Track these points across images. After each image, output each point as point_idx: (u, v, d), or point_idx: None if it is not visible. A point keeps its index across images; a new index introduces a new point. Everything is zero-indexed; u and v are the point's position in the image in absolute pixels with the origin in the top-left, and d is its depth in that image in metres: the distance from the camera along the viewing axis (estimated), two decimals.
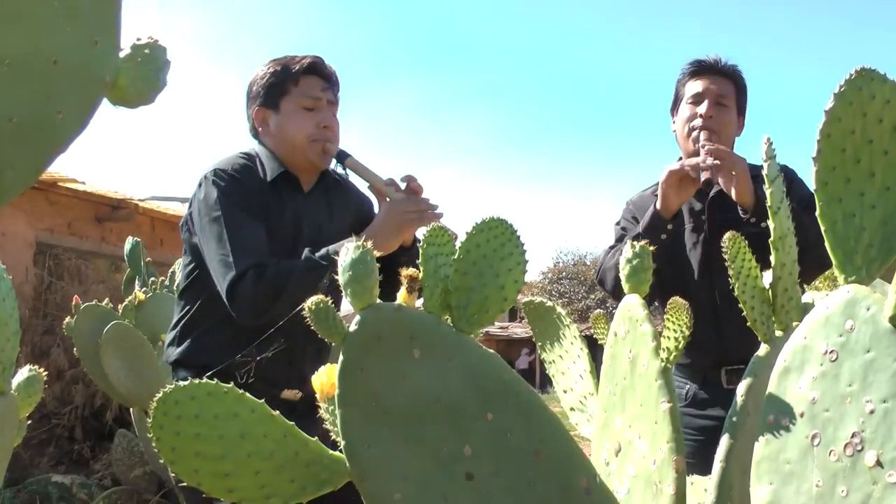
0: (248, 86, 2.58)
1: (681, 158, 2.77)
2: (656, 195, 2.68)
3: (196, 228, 2.39)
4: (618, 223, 2.94)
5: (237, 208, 2.34)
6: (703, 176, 2.51)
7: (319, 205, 2.56)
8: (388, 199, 2.46)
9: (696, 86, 2.79)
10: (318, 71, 2.52)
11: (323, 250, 2.25)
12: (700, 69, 2.81)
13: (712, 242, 2.59)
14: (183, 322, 2.48)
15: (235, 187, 2.38)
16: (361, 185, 2.62)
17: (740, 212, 2.51)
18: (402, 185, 2.48)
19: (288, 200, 2.46)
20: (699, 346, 2.55)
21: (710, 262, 2.64)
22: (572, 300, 36.06)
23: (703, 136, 2.65)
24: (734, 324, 2.37)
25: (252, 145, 2.59)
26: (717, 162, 2.49)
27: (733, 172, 2.49)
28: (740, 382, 1.42)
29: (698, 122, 2.71)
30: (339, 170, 2.56)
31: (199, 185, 2.41)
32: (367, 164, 2.52)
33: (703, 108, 2.72)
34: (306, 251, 2.26)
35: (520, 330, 31.87)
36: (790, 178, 2.60)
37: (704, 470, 1.55)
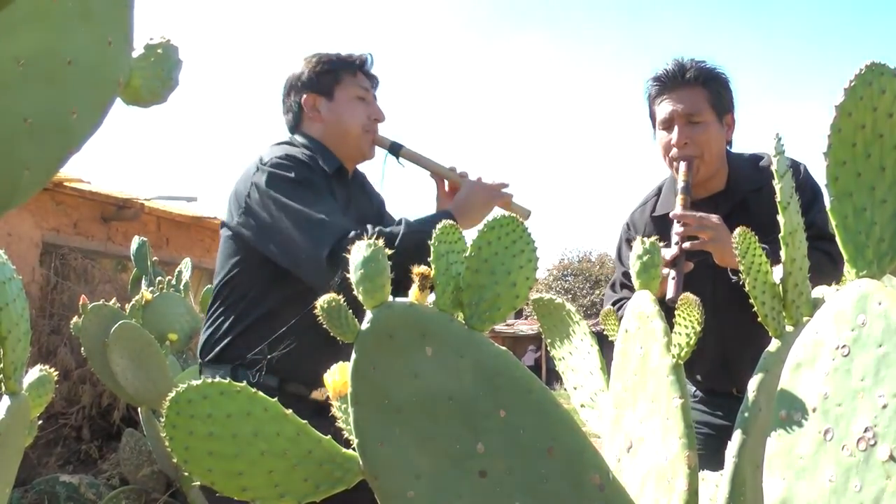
0: (292, 76, 2.58)
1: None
2: (654, 216, 2.64)
3: (264, 211, 2.30)
4: (619, 248, 2.81)
5: (316, 186, 2.33)
6: (669, 292, 2.21)
7: (358, 194, 2.59)
8: (447, 182, 2.60)
9: (663, 109, 2.55)
10: (369, 68, 2.57)
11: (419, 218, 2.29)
12: (662, 87, 2.58)
13: (719, 276, 2.39)
14: (224, 317, 2.41)
15: (307, 170, 2.36)
16: (420, 174, 2.68)
17: (730, 273, 2.30)
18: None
19: (340, 190, 2.47)
20: (707, 377, 2.51)
21: (716, 297, 2.38)
22: (577, 296, 36.09)
23: (682, 170, 2.45)
24: (742, 360, 2.11)
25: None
26: (673, 266, 2.26)
27: (711, 244, 2.28)
28: (752, 378, 1.41)
29: (675, 152, 2.52)
30: (393, 161, 2.62)
31: (258, 170, 2.35)
32: (421, 153, 2.59)
33: (675, 137, 2.51)
34: (403, 219, 2.28)
35: (525, 327, 31.94)
36: (812, 197, 2.38)
37: (714, 464, 1.55)
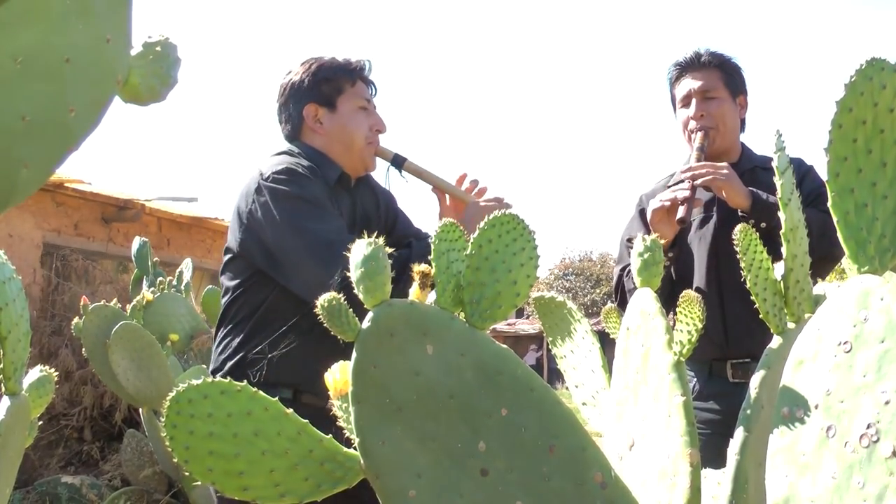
0: (289, 83, 2.49)
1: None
2: (669, 186, 2.70)
3: (269, 232, 2.24)
4: (630, 220, 2.91)
5: (321, 201, 2.26)
6: (680, 213, 2.49)
7: (363, 202, 2.54)
8: (448, 197, 2.57)
9: (682, 88, 2.82)
10: (368, 74, 2.52)
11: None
12: (681, 69, 2.84)
13: (721, 234, 2.61)
14: (232, 336, 2.33)
15: (310, 184, 2.28)
16: (423, 188, 2.63)
17: (739, 213, 2.51)
18: (463, 186, 2.57)
19: (342, 200, 2.42)
20: (705, 338, 2.53)
21: (718, 253, 2.64)
22: (577, 295, 36.15)
23: (699, 136, 2.69)
24: (740, 317, 2.45)
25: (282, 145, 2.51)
26: (686, 193, 2.50)
27: (717, 184, 2.52)
28: (754, 375, 1.41)
29: (693, 124, 2.75)
30: (396, 174, 2.58)
31: (259, 187, 2.27)
32: (424, 167, 2.56)
33: (692, 110, 2.76)
34: (413, 242, 2.28)
35: (527, 326, 31.93)
36: (804, 172, 2.65)
37: (711, 462, 1.55)
